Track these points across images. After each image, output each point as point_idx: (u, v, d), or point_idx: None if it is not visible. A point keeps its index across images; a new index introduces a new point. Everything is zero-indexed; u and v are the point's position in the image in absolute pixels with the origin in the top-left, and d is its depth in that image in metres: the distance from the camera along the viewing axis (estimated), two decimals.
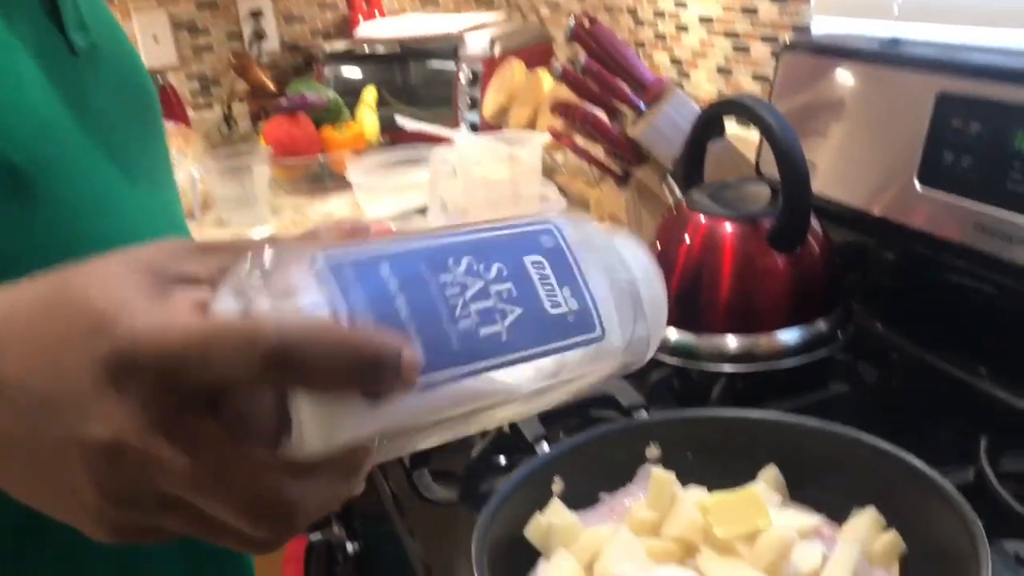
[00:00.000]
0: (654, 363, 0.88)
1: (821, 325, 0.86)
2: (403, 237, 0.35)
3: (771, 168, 0.85)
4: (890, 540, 0.58)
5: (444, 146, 1.32)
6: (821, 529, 0.60)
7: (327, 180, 1.74)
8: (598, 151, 1.18)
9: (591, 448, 0.66)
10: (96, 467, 0.31)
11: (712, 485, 0.63)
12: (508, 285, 0.35)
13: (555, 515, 0.61)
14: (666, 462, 0.66)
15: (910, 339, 0.93)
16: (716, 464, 0.65)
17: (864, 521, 0.59)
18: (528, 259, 0.36)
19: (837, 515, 0.62)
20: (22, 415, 0.33)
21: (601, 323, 0.37)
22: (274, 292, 0.31)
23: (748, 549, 0.56)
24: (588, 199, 1.36)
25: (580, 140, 1.19)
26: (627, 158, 1.14)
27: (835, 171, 0.98)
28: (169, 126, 1.66)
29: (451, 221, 1.27)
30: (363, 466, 0.34)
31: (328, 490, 0.33)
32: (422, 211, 1.37)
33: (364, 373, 0.31)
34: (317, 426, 0.31)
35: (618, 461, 0.66)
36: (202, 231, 1.64)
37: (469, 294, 0.34)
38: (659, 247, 0.91)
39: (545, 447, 0.72)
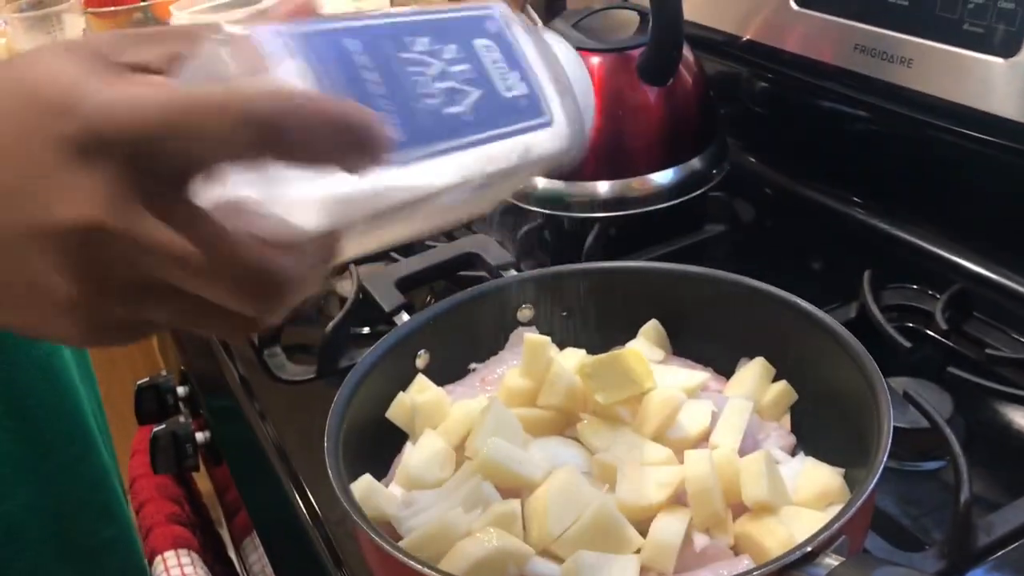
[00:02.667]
0: (522, 214, 0.83)
1: (696, 164, 0.81)
2: (356, 16, 0.34)
3: None
4: (780, 391, 0.55)
5: None
6: (708, 384, 0.55)
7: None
8: None
9: (457, 315, 0.59)
10: (71, 251, 0.30)
11: (590, 346, 0.58)
12: (465, 67, 0.35)
13: (419, 393, 0.55)
14: (539, 324, 0.61)
15: (785, 172, 0.90)
16: (593, 323, 0.60)
17: (752, 373, 0.55)
18: (478, 42, 0.36)
19: (724, 367, 0.58)
20: None
21: (549, 108, 0.37)
22: (245, 68, 0.31)
23: (632, 414, 0.51)
24: None
25: None
26: None
27: None
28: None
29: None
30: (336, 249, 0.34)
31: (309, 266, 0.32)
32: None
33: (347, 143, 0.30)
34: (303, 203, 0.31)
35: (487, 327, 0.60)
36: None
37: (431, 72, 0.34)
38: None
39: (405, 318, 0.65)
